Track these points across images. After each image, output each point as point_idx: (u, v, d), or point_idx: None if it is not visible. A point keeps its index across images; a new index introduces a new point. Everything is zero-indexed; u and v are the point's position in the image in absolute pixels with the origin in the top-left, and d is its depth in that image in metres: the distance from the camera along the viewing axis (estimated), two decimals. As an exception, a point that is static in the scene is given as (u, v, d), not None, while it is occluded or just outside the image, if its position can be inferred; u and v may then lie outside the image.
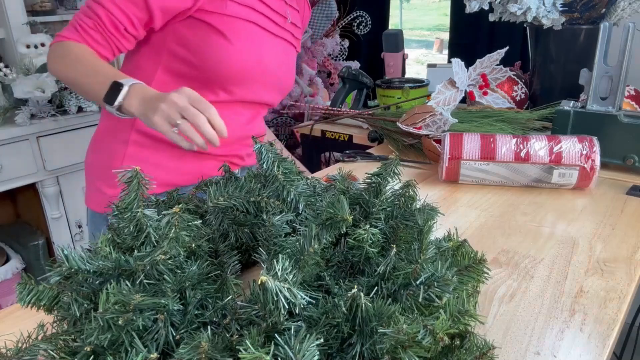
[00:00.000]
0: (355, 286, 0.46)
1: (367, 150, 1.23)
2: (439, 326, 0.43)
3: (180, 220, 0.53)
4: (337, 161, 1.17)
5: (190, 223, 0.54)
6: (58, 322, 0.49)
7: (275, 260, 0.44)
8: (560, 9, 1.24)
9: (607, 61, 1.02)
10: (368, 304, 0.44)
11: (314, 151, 1.59)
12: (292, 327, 0.43)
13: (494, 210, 0.88)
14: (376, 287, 0.49)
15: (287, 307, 0.42)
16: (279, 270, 0.43)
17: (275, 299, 0.42)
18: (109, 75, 0.79)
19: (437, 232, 0.79)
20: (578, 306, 0.61)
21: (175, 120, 0.72)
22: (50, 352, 0.44)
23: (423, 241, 0.55)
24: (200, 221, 0.56)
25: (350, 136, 1.44)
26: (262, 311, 0.44)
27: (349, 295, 0.44)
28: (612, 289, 0.64)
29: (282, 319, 0.43)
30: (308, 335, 0.40)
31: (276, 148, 0.68)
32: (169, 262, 0.49)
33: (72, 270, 0.48)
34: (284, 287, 0.42)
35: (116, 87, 0.78)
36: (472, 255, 0.58)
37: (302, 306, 0.44)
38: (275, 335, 0.41)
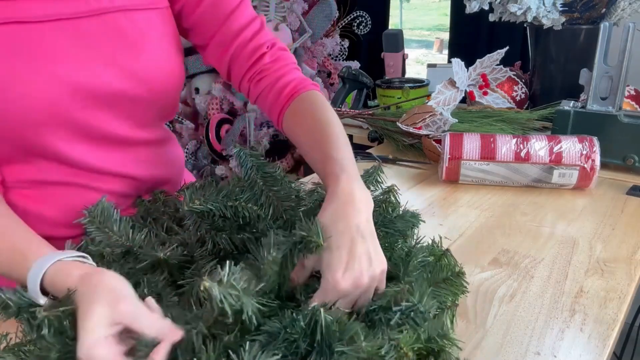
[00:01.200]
0: (316, 301, 0.43)
1: (367, 150, 1.23)
2: (404, 341, 0.41)
3: None
4: (337, 161, 1.17)
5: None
6: (22, 331, 0.47)
7: (219, 266, 0.41)
8: (560, 9, 1.24)
9: (607, 61, 1.02)
10: (328, 319, 0.41)
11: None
12: (248, 342, 0.41)
13: (494, 210, 0.88)
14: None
15: (231, 315, 0.40)
16: (224, 276, 0.40)
17: (220, 306, 0.39)
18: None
19: (437, 232, 0.80)
20: (578, 306, 0.61)
21: None
22: None
23: (409, 264, 0.53)
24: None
25: (350, 136, 1.44)
26: (208, 320, 0.42)
27: (308, 310, 0.42)
28: (612, 289, 0.64)
29: (228, 329, 0.41)
30: (260, 352, 0.39)
31: (258, 152, 0.63)
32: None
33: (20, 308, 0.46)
34: (230, 293, 0.40)
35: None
36: (451, 267, 0.57)
37: (258, 319, 0.42)
38: (229, 351, 0.40)
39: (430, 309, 0.45)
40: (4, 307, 0.46)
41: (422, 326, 0.44)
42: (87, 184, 0.68)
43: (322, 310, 0.42)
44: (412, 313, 0.44)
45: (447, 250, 0.58)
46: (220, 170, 1.95)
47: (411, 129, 1.11)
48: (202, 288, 0.39)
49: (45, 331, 0.43)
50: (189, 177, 0.90)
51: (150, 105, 0.69)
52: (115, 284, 0.46)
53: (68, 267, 0.49)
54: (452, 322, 0.54)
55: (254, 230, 0.60)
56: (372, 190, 0.63)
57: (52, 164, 0.65)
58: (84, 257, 0.52)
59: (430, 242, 0.61)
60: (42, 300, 0.48)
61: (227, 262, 0.41)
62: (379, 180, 0.65)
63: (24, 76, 0.57)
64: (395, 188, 0.63)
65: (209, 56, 0.74)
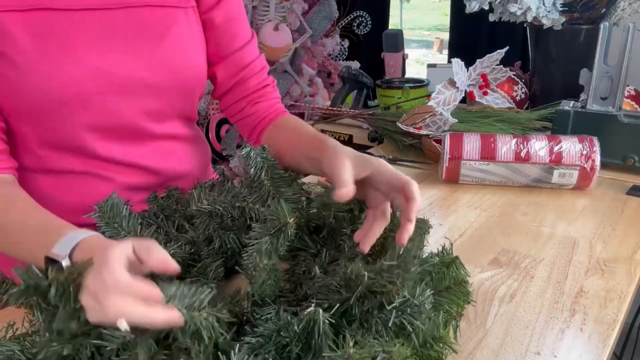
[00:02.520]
0: (313, 304, 0.43)
1: (367, 150, 1.23)
2: (397, 353, 0.40)
3: None
4: (337, 161, 1.17)
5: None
6: (29, 321, 0.47)
7: (171, 283, 0.41)
8: (560, 9, 1.24)
9: (607, 61, 1.02)
10: (327, 323, 0.41)
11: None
12: (237, 345, 0.40)
13: (494, 210, 0.88)
14: (346, 307, 0.45)
15: (184, 337, 0.39)
16: (169, 298, 0.39)
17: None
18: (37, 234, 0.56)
19: (437, 232, 0.80)
20: (578, 306, 0.61)
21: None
22: (18, 352, 0.42)
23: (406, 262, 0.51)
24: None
25: (350, 136, 1.44)
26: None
27: (305, 313, 0.41)
28: (612, 289, 0.64)
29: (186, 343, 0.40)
30: (250, 356, 0.38)
31: (267, 152, 0.64)
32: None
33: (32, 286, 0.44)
34: (182, 310, 0.39)
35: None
36: (454, 275, 0.56)
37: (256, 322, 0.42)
38: (219, 353, 0.39)
39: (426, 300, 0.44)
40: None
41: (420, 322, 0.44)
42: (106, 175, 0.72)
43: (320, 311, 0.41)
44: (408, 309, 0.43)
45: (457, 258, 0.56)
46: (219, 170, 1.95)
47: (411, 129, 1.11)
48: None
49: (52, 291, 0.42)
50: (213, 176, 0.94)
51: (168, 97, 0.73)
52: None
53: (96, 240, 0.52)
54: (455, 332, 0.53)
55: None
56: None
57: (72, 153, 0.69)
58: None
59: (440, 248, 0.59)
60: (66, 263, 0.49)
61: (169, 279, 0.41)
62: None
63: (52, 58, 0.62)
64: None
65: (208, 73, 0.81)
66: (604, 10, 1.26)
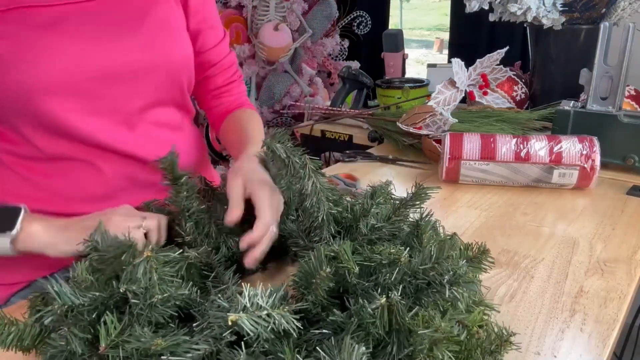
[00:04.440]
0: (385, 295, 0.43)
1: (367, 150, 1.23)
2: (472, 320, 0.43)
3: (156, 263, 0.46)
4: (337, 161, 1.17)
5: (167, 259, 0.48)
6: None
7: (238, 294, 0.41)
8: (560, 9, 1.24)
9: (607, 61, 1.02)
10: (402, 306, 0.42)
11: (314, 151, 1.59)
12: (317, 336, 0.41)
13: (494, 210, 0.88)
14: (401, 286, 0.47)
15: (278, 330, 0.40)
16: (246, 301, 0.39)
17: (257, 330, 0.39)
18: None
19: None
20: (578, 306, 0.61)
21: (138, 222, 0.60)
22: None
23: (445, 242, 0.55)
24: (180, 250, 0.52)
25: (350, 136, 1.44)
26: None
27: (382, 302, 0.42)
28: (612, 289, 0.64)
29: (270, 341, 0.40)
30: (351, 344, 0.38)
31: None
32: (168, 304, 0.46)
33: (66, 307, 0.45)
34: (261, 314, 0.39)
35: (8, 211, 0.59)
36: (471, 247, 0.58)
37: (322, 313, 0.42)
38: (317, 347, 0.40)
39: (464, 268, 0.48)
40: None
41: (471, 288, 0.47)
42: (96, 162, 0.72)
43: (398, 298, 0.42)
44: (460, 279, 0.47)
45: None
46: (220, 170, 1.95)
47: (411, 129, 1.11)
48: (229, 323, 0.38)
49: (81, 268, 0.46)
50: (217, 178, 0.94)
51: (155, 80, 0.74)
52: None
53: None
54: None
55: None
56: (381, 203, 0.64)
57: (63, 139, 0.69)
58: None
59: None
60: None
61: (244, 285, 0.41)
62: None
63: (33, 51, 0.64)
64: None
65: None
66: (604, 10, 1.26)
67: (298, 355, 0.40)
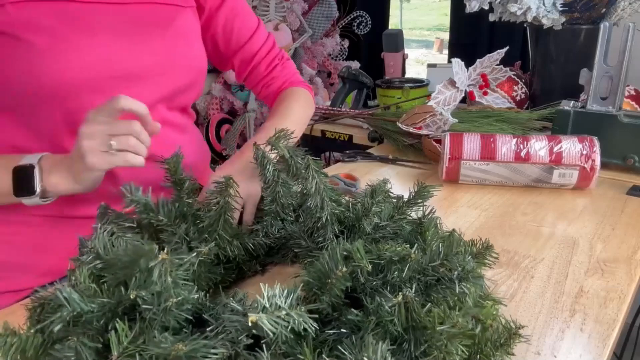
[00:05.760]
0: (401, 293, 0.43)
1: (367, 150, 1.23)
2: (486, 314, 0.43)
3: (171, 265, 0.45)
4: (337, 161, 1.17)
5: (182, 262, 0.47)
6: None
7: (257, 295, 0.40)
8: (560, 9, 1.24)
9: (607, 61, 1.02)
10: (417, 304, 0.42)
11: (314, 151, 1.59)
12: (332, 336, 0.41)
13: (494, 210, 0.88)
14: (414, 284, 0.48)
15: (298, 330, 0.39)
16: (265, 302, 0.39)
17: (276, 330, 0.38)
18: (3, 165, 0.64)
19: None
20: (578, 306, 0.61)
21: (109, 144, 0.60)
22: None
23: (452, 238, 0.56)
24: (194, 254, 0.50)
25: (350, 136, 1.44)
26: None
27: (399, 299, 0.42)
28: (612, 289, 0.64)
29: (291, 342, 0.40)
30: (374, 341, 0.38)
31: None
32: (182, 308, 0.45)
33: (75, 313, 0.43)
34: (280, 314, 0.39)
35: (24, 173, 0.63)
36: (474, 244, 0.59)
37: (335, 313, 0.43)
38: (338, 347, 0.40)
39: (471, 263, 0.48)
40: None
41: (479, 283, 0.47)
42: None
43: (413, 296, 0.42)
44: (469, 275, 0.47)
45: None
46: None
47: (411, 129, 1.11)
48: (249, 323, 0.38)
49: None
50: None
51: (171, 85, 0.78)
52: None
53: None
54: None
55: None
56: (380, 202, 0.64)
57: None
58: None
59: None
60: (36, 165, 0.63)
61: (262, 285, 0.40)
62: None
63: (69, 43, 0.67)
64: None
65: (229, 65, 0.95)
66: (604, 10, 1.26)
67: (319, 356, 0.40)
